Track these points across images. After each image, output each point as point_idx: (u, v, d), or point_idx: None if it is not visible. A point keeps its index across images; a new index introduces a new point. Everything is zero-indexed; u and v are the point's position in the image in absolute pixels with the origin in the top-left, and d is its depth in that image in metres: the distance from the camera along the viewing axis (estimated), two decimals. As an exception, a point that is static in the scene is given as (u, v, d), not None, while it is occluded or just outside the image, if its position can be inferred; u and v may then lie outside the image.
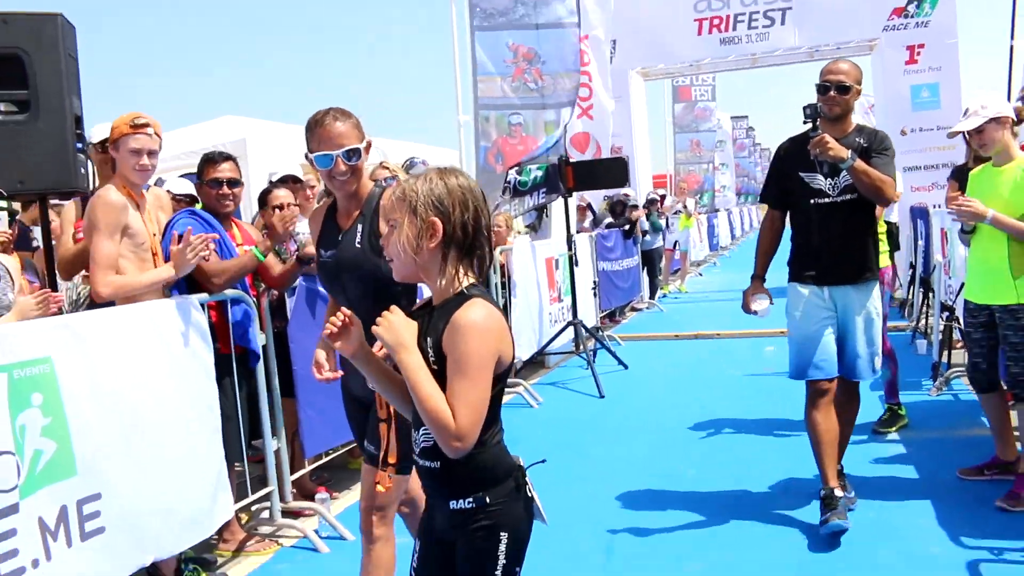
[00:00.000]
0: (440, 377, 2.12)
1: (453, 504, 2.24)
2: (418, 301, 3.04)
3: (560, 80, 9.31)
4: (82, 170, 4.31)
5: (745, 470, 5.42)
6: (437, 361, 2.14)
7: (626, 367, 8.93)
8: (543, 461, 2.44)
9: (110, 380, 3.57)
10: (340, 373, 3.23)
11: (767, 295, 4.62)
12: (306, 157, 3.20)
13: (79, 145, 4.25)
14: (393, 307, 2.18)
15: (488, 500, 2.22)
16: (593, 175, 8.65)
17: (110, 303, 3.99)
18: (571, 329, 8.98)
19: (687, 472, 5.52)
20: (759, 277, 4.67)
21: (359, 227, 3.17)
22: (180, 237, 4.10)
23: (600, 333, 9.67)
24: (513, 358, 2.23)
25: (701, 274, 19.37)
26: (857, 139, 4.35)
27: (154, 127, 4.05)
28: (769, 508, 4.75)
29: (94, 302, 4.05)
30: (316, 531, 4.73)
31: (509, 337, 2.19)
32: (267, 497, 4.81)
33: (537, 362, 9.26)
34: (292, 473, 5.08)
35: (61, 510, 3.33)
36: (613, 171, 8.63)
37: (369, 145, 3.20)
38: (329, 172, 3.10)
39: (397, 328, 2.13)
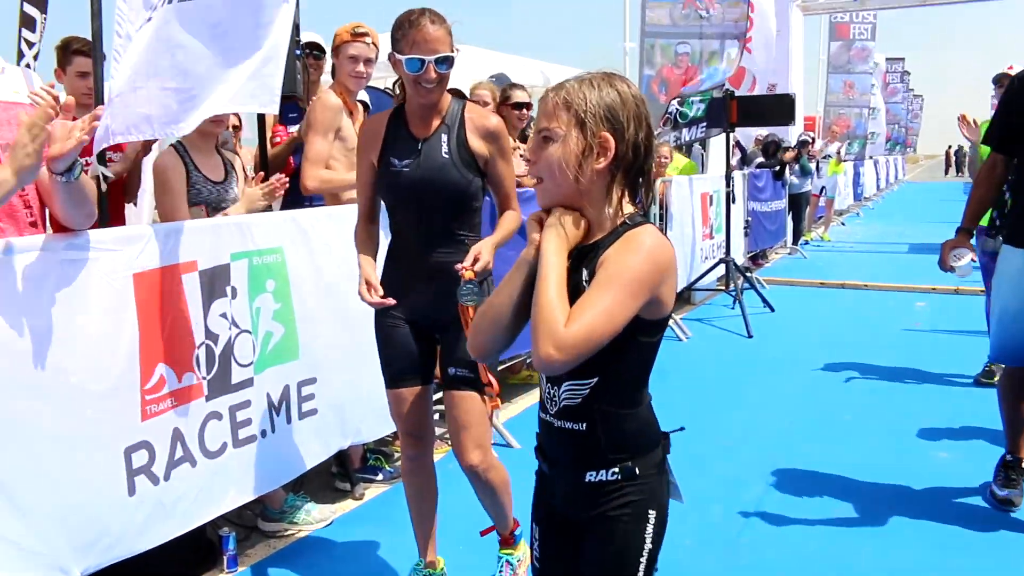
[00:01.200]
0: None
1: (591, 476, 1.89)
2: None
3: (729, 10, 9.13)
4: (297, 76, 4.56)
5: (903, 420, 5.37)
6: None
7: (773, 309, 8.86)
8: (682, 429, 2.06)
9: (329, 273, 3.83)
10: (392, 301, 2.91)
11: (970, 250, 4.03)
12: (389, 58, 2.95)
13: (297, 52, 4.48)
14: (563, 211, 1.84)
15: (637, 472, 1.88)
16: (758, 111, 8.50)
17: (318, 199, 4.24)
18: (719, 267, 8.96)
19: (843, 416, 5.52)
20: (966, 230, 4.06)
21: (443, 137, 2.96)
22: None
23: (749, 274, 9.60)
24: (671, 310, 1.87)
25: (844, 223, 18.78)
26: None
27: (372, 37, 4.23)
28: (932, 462, 4.70)
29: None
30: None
31: (675, 279, 1.83)
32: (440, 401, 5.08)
33: (683, 297, 9.29)
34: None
35: (284, 389, 3.65)
36: (779, 108, 8.46)
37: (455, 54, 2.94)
38: (417, 77, 2.85)
39: (566, 228, 1.81)
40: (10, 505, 2.60)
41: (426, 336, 3.10)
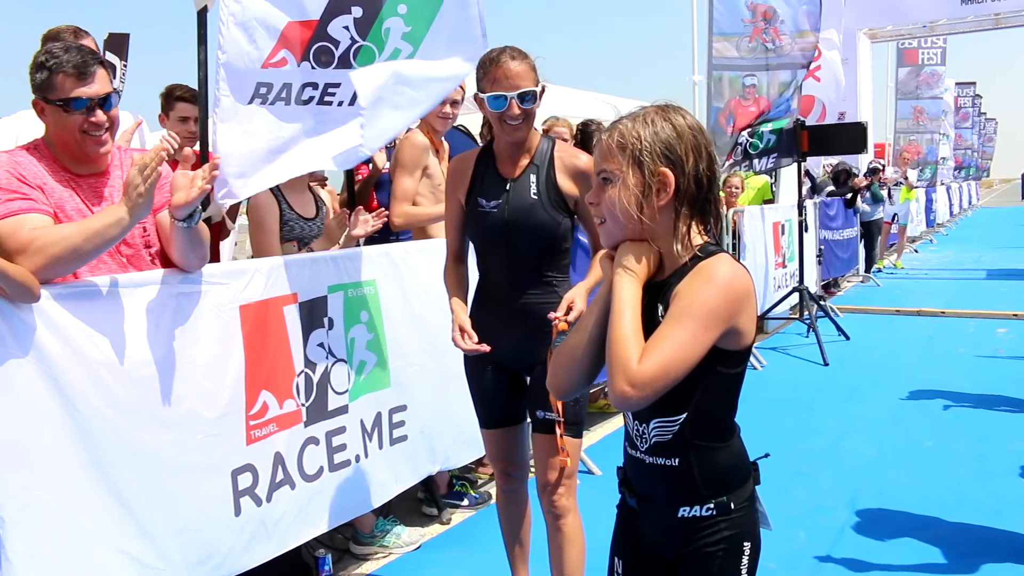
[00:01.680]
0: None
1: (684, 512, 1.87)
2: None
3: (797, 40, 9.15)
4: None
5: (987, 448, 5.30)
6: None
7: (848, 337, 8.78)
8: (767, 455, 2.09)
9: (419, 304, 3.99)
10: (487, 348, 2.88)
11: None
12: (475, 98, 2.98)
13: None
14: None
15: (732, 505, 1.87)
16: (829, 140, 8.50)
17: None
18: (793, 296, 8.92)
19: (924, 443, 5.47)
20: None
21: (532, 177, 2.95)
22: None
23: (823, 302, 9.54)
24: (753, 339, 1.85)
25: (917, 251, 18.45)
26: None
27: None
28: (1017, 492, 4.62)
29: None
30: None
31: (754, 307, 1.81)
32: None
33: (756, 326, 9.25)
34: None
35: (376, 416, 3.80)
36: (851, 136, 8.44)
37: (543, 90, 2.95)
38: (501, 115, 2.87)
39: (637, 262, 1.80)
40: (134, 524, 2.77)
41: (514, 376, 3.10)
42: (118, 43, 6.74)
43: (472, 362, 3.10)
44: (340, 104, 3.50)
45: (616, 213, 1.80)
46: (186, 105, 4.40)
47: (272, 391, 3.25)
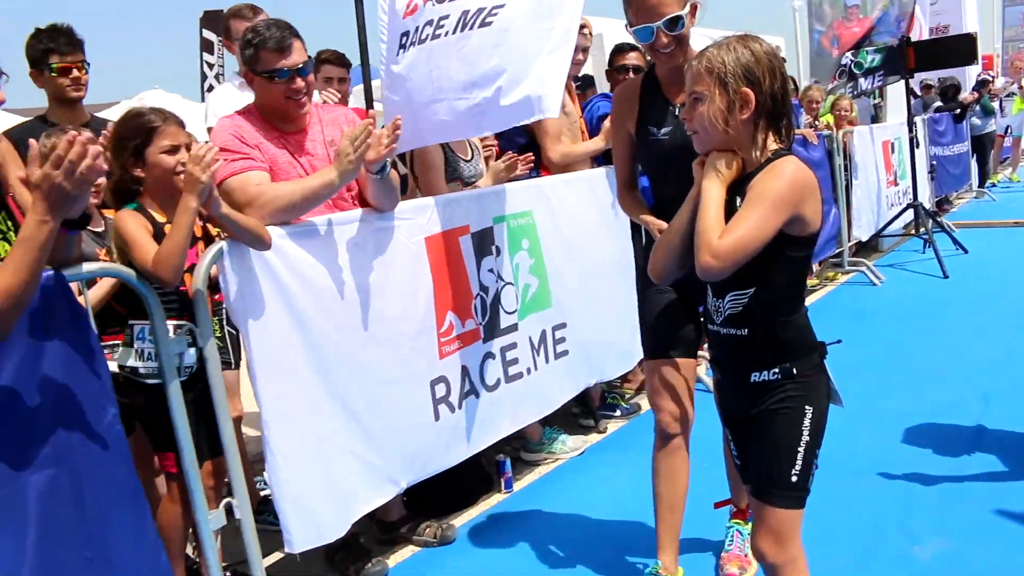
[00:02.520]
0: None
1: (756, 376, 2.19)
2: None
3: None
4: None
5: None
6: None
7: (966, 251, 8.78)
8: (839, 342, 2.32)
9: (570, 232, 4.37)
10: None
11: None
12: (627, 30, 2.92)
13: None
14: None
15: (795, 372, 2.16)
16: (937, 55, 8.46)
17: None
18: (907, 212, 8.97)
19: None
20: None
21: None
22: (601, 119, 4.81)
23: (938, 217, 9.55)
24: (820, 227, 2.14)
25: (1032, 162, 17.91)
26: None
27: (587, 27, 4.72)
28: None
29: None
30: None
31: (818, 199, 2.11)
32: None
33: (871, 245, 9.35)
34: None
35: (541, 333, 4.21)
36: (960, 49, 8.39)
37: (695, 8, 2.82)
38: (652, 46, 2.83)
39: (722, 167, 2.13)
40: (359, 429, 3.26)
41: (692, 308, 2.99)
42: (214, 20, 7.20)
43: (647, 288, 3.04)
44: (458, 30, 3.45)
45: (706, 126, 2.13)
46: (330, 67, 4.82)
47: (455, 312, 3.68)
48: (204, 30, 7.71)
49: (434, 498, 3.92)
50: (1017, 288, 7.14)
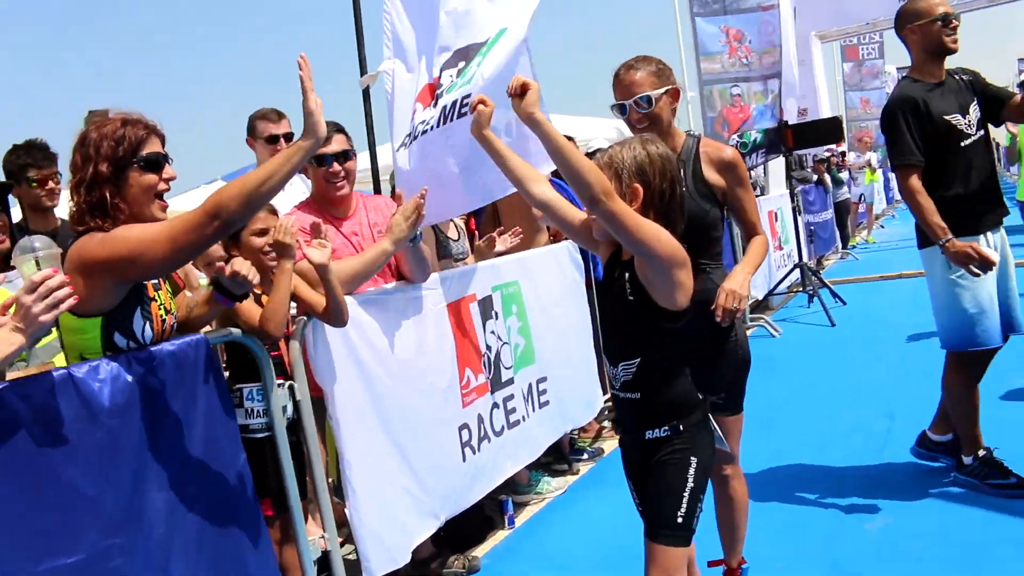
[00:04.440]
0: (638, 307, 2.40)
1: (649, 433, 2.47)
2: None
3: (764, 57, 10.46)
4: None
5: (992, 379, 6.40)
6: (633, 292, 2.40)
7: (845, 303, 9.98)
8: (721, 397, 2.91)
9: (545, 299, 5.09)
10: None
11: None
12: (611, 109, 3.28)
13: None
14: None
15: (682, 428, 2.44)
16: (811, 135, 9.72)
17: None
18: (793, 273, 10.14)
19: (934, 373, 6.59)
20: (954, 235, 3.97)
21: (679, 172, 2.93)
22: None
23: (819, 274, 10.78)
24: (689, 301, 2.41)
25: (883, 226, 19.91)
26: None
27: None
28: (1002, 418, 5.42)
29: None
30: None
31: (691, 276, 2.39)
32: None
33: (763, 304, 10.46)
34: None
35: (529, 386, 4.88)
36: (828, 130, 9.69)
37: (674, 92, 3.16)
38: (627, 120, 3.15)
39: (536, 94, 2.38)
40: (409, 469, 3.82)
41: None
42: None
43: None
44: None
45: None
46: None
47: (470, 367, 4.32)
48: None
49: (452, 535, 4.47)
50: (895, 328, 8.25)
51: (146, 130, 2.60)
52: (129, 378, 2.60)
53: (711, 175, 3.17)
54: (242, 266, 2.86)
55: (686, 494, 2.41)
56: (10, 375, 2.82)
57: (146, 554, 2.61)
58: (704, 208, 3.13)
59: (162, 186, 2.63)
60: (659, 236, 2.30)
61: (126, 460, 2.60)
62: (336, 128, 3.86)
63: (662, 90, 3.12)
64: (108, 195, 2.52)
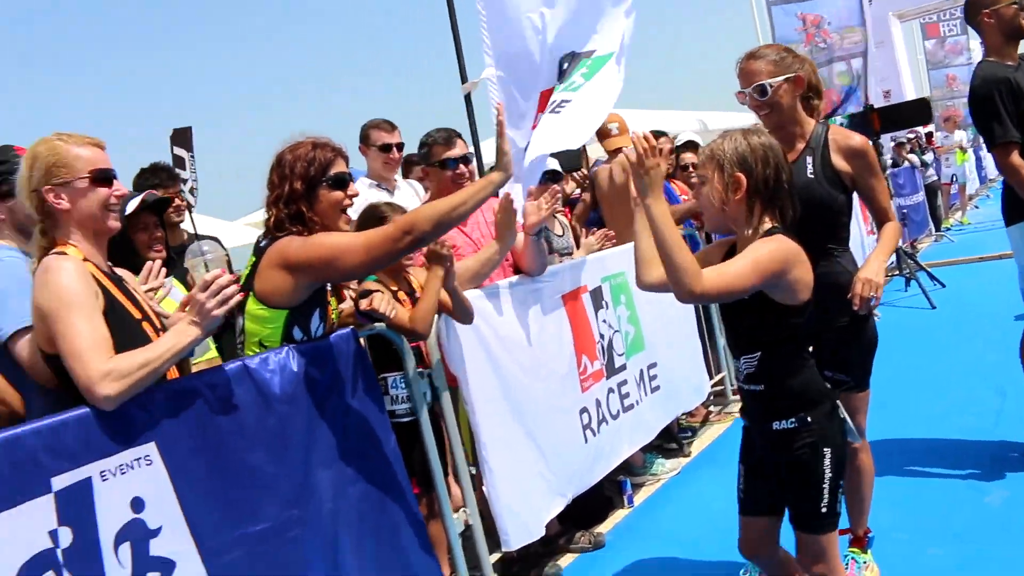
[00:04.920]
0: (758, 304, 2.41)
1: (776, 425, 2.49)
2: None
3: (847, 35, 10.41)
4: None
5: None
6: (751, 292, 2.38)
7: (944, 285, 9.86)
8: (848, 382, 2.95)
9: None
10: None
11: None
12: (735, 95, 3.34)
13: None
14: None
15: (809, 420, 2.46)
16: (898, 117, 9.64)
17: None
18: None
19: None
20: None
21: (807, 159, 3.18)
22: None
23: (915, 257, 10.67)
24: (810, 295, 2.42)
25: (977, 206, 19.41)
26: None
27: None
28: None
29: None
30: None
31: (806, 269, 2.40)
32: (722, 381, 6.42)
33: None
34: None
35: (641, 372, 5.07)
36: (916, 111, 9.61)
37: (797, 80, 3.15)
38: (751, 108, 3.23)
39: (659, 175, 2.38)
40: (538, 450, 4.06)
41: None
42: (183, 136, 7.59)
43: None
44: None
45: (706, 205, 2.53)
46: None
47: (586, 354, 4.54)
48: (175, 147, 7.87)
49: (576, 514, 4.68)
50: (997, 308, 8.10)
51: (333, 152, 2.94)
52: (295, 368, 2.91)
53: (839, 162, 3.22)
54: (380, 303, 3.22)
55: (826, 485, 2.47)
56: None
57: (318, 525, 2.90)
58: (832, 194, 3.19)
59: (347, 202, 2.96)
60: (757, 263, 2.34)
61: (296, 442, 2.91)
62: (456, 134, 4.15)
63: (780, 78, 3.14)
64: (304, 209, 2.85)
